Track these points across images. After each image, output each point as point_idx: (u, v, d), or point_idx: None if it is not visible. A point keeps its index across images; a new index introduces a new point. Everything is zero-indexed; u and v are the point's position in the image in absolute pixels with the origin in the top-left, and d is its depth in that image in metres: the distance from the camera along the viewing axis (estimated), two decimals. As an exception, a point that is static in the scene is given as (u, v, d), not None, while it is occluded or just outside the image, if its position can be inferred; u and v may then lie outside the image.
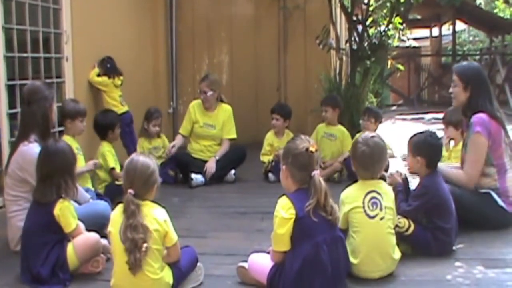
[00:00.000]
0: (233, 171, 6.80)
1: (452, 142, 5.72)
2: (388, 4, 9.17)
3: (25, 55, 5.70)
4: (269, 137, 7.05)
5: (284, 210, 3.26)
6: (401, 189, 4.24)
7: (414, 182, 4.41)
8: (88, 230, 3.83)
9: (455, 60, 18.29)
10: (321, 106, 7.07)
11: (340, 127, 7.01)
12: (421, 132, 4.31)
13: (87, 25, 6.62)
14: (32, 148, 4.07)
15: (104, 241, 3.85)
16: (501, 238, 4.41)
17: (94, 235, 3.80)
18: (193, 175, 6.54)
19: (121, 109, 6.82)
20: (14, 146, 4.29)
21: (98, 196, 5.01)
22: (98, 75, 6.83)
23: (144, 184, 3.30)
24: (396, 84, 18.82)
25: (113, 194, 5.16)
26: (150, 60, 8.98)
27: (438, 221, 4.01)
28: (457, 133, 5.49)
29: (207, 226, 5.00)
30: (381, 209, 3.60)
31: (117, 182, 5.55)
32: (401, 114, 15.99)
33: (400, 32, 9.87)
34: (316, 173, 3.31)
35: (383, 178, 3.88)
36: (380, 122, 6.95)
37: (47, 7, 6.08)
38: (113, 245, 3.32)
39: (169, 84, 9.46)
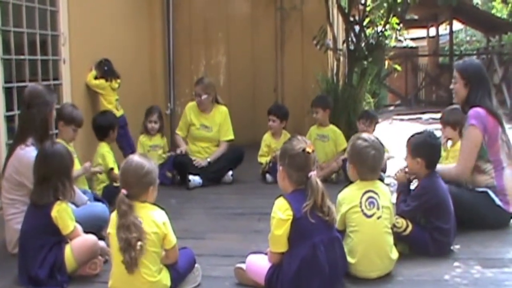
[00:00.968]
0: (230, 172, 6.81)
1: (449, 142, 5.71)
2: (385, 4, 9.17)
3: (22, 57, 5.69)
4: (267, 138, 7.05)
5: (281, 211, 3.26)
6: (404, 189, 4.25)
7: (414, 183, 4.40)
8: (85, 232, 3.83)
9: (452, 60, 18.30)
10: (311, 107, 7.08)
11: (331, 126, 7.01)
12: (419, 133, 4.31)
13: (84, 27, 6.61)
14: (29, 152, 4.06)
15: (101, 243, 3.85)
16: (499, 238, 4.42)
17: (91, 237, 3.79)
18: (191, 177, 6.54)
19: (116, 113, 6.80)
20: (11, 149, 4.28)
21: (96, 198, 5.01)
22: (96, 78, 6.83)
23: (138, 183, 3.30)
24: (394, 84, 18.83)
25: (111, 196, 5.14)
26: (147, 61, 8.97)
27: (436, 221, 4.02)
28: (455, 133, 5.49)
29: (204, 228, 5.00)
30: (378, 208, 3.60)
31: (115, 184, 5.55)
32: (398, 114, 16.02)
33: (397, 32, 9.88)
34: (313, 173, 3.31)
35: (379, 179, 3.88)
36: (377, 123, 6.96)
37: (44, 9, 6.07)
38: (111, 246, 3.33)
39: (166, 85, 9.46)
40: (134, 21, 8.37)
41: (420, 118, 14.70)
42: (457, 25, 21.85)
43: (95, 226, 4.08)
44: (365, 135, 3.83)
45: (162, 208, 3.39)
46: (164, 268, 3.35)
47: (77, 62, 6.51)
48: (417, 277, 3.67)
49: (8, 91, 5.33)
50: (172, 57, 9.45)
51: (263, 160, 6.92)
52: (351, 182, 3.80)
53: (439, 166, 4.39)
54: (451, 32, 19.83)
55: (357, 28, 9.08)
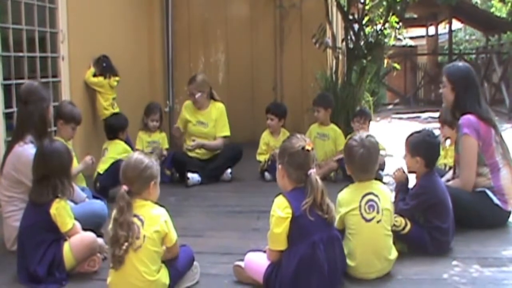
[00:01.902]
0: (229, 170, 6.81)
1: (448, 141, 5.73)
2: (384, 3, 9.17)
3: (21, 54, 5.69)
4: (265, 136, 7.05)
5: (281, 209, 3.26)
6: (403, 188, 4.24)
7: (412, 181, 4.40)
8: (84, 229, 3.82)
9: (451, 59, 18.31)
10: (313, 106, 7.07)
11: (332, 126, 7.02)
12: (418, 132, 4.30)
13: (83, 24, 6.62)
14: (27, 149, 4.05)
15: (100, 241, 3.85)
16: (497, 237, 4.42)
17: (90, 234, 3.79)
18: (189, 174, 6.54)
19: (112, 111, 6.80)
20: (9, 147, 4.27)
21: (94, 196, 5.01)
22: (94, 75, 6.82)
23: (138, 179, 3.29)
24: (393, 83, 18.84)
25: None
26: (146, 59, 8.97)
27: (435, 220, 4.01)
28: (453, 132, 5.48)
29: (203, 225, 5.00)
30: (378, 212, 3.57)
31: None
32: (397, 113, 16.03)
33: (397, 31, 9.85)
34: (313, 171, 3.30)
35: (378, 178, 3.88)
36: (371, 121, 6.96)
37: (43, 6, 6.07)
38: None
39: (165, 83, 9.44)
40: (133, 18, 8.37)
41: (419, 117, 14.70)
42: (456, 24, 21.87)
43: (93, 224, 4.09)
44: (358, 135, 3.78)
45: (162, 206, 3.39)
46: (163, 267, 3.35)
47: (76, 60, 6.51)
48: (415, 276, 3.67)
49: (7, 88, 5.34)
50: (171, 54, 9.44)
51: (262, 158, 6.92)
52: (350, 181, 3.79)
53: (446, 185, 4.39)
54: (450, 31, 19.85)
55: (356, 26, 9.07)
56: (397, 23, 9.49)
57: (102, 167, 5.84)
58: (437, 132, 5.11)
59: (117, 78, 6.96)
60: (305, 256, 3.22)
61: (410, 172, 4.29)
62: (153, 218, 3.27)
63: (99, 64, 6.87)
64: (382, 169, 6.41)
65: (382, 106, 16.98)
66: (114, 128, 6.20)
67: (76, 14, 6.46)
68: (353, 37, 9.02)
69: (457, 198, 4.23)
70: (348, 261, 3.53)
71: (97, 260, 3.80)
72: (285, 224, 3.23)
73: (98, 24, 7.04)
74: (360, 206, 3.57)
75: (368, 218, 3.56)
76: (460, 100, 4.69)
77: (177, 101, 9.43)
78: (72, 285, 3.62)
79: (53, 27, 6.24)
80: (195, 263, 3.61)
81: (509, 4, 19.17)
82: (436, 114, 6.79)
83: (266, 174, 6.73)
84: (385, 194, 3.68)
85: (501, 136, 4.73)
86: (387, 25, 9.29)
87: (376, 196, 3.61)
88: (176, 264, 3.44)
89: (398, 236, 3.87)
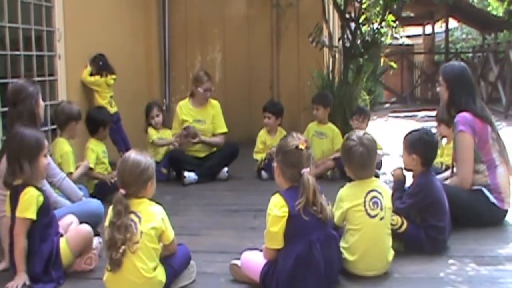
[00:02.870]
0: (225, 169, 6.81)
1: (444, 140, 5.74)
2: (381, 1, 9.18)
3: (17, 53, 5.68)
4: (262, 135, 7.05)
5: (277, 208, 3.25)
6: (400, 187, 4.25)
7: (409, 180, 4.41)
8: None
9: (448, 58, 18.33)
10: (312, 104, 7.08)
11: (330, 125, 7.02)
12: (416, 130, 4.32)
13: (79, 23, 6.60)
14: None
15: (96, 241, 3.85)
16: (494, 236, 4.43)
17: (85, 227, 3.80)
18: (186, 173, 6.54)
19: (110, 110, 6.79)
20: (3, 146, 4.26)
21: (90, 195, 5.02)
22: (91, 74, 6.81)
23: (136, 181, 3.29)
24: (389, 82, 18.85)
25: (103, 192, 5.19)
26: (143, 57, 8.95)
27: (431, 219, 4.02)
28: (449, 130, 5.49)
29: (200, 224, 5.00)
30: (381, 209, 3.59)
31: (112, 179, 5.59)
32: (394, 111, 16.05)
33: (393, 29, 9.89)
34: (306, 171, 3.29)
35: (376, 175, 3.88)
36: (369, 119, 6.97)
37: (39, 4, 6.06)
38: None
39: (162, 82, 9.45)
40: (129, 16, 8.36)
41: (415, 116, 14.72)
42: (453, 23, 21.89)
43: (90, 222, 4.06)
44: (355, 134, 3.78)
45: (160, 204, 3.39)
46: (160, 265, 3.34)
47: (73, 58, 6.50)
48: (412, 275, 3.67)
49: (3, 87, 5.31)
50: (167, 53, 9.45)
51: (259, 157, 6.92)
52: (347, 180, 3.80)
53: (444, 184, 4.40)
54: (447, 30, 19.86)
55: (352, 25, 9.08)
56: (394, 21, 9.52)
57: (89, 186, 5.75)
58: (434, 130, 5.13)
59: (113, 76, 6.95)
60: (302, 255, 3.22)
61: (407, 170, 4.30)
62: (150, 215, 3.27)
63: (96, 63, 6.86)
64: (379, 168, 6.42)
65: (378, 104, 16.99)
66: (94, 121, 5.95)
67: (72, 13, 6.45)
68: (349, 36, 9.03)
69: (453, 197, 4.24)
70: (348, 256, 3.54)
71: (94, 258, 3.80)
72: (281, 222, 3.23)
73: (95, 23, 7.02)
74: (365, 202, 3.58)
75: (372, 214, 3.57)
76: (455, 98, 4.72)
77: (173, 100, 9.44)
78: (68, 283, 3.62)
79: (49, 25, 6.23)
80: (191, 262, 3.61)
81: (506, 3, 19.19)
82: (433, 113, 6.81)
83: (263, 172, 6.74)
84: (387, 192, 3.72)
85: (497, 133, 4.75)
86: (383, 23, 9.32)
87: (380, 193, 3.63)
88: (173, 263, 3.44)
89: (394, 235, 3.87)
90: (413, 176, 4.24)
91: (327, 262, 3.30)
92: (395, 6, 9.37)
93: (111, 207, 3.29)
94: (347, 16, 9.07)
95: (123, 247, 3.17)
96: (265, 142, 6.97)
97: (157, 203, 3.38)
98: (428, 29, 21.69)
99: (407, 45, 21.21)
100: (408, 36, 21.54)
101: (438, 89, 4.94)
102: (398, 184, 4.28)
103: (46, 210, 3.66)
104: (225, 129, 7.05)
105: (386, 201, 3.66)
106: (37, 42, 6.01)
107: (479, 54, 18.49)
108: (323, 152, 6.86)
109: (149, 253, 3.24)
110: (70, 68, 6.47)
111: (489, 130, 4.65)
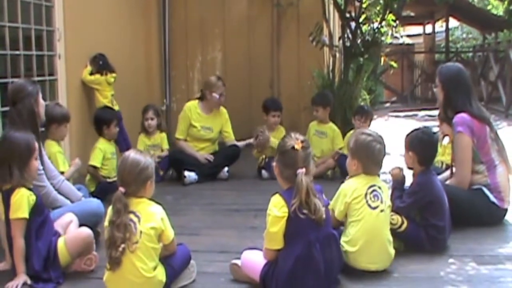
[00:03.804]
0: (226, 169, 6.80)
1: (446, 138, 5.73)
2: (381, 1, 9.18)
3: (17, 52, 5.68)
4: (263, 131, 7.01)
5: (277, 208, 3.25)
6: (399, 186, 4.26)
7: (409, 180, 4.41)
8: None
9: (448, 57, 18.32)
10: (311, 105, 7.07)
11: (331, 124, 7.01)
12: (417, 128, 4.36)
13: (79, 23, 6.60)
14: None
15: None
16: (494, 235, 4.43)
17: (85, 229, 3.80)
18: (186, 173, 6.53)
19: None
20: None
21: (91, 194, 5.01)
22: (91, 73, 6.81)
23: (135, 180, 3.29)
24: (390, 81, 18.83)
25: (104, 192, 5.18)
26: (143, 57, 8.95)
27: (431, 218, 4.03)
28: (451, 129, 5.50)
29: (200, 224, 5.00)
30: (381, 202, 3.64)
31: (108, 180, 5.58)
32: (394, 111, 16.05)
33: (393, 29, 9.88)
34: (301, 171, 3.28)
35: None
36: (372, 119, 6.96)
37: (39, 4, 6.06)
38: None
39: (162, 81, 9.45)
40: (129, 16, 8.35)
41: (416, 115, 14.72)
42: (453, 22, 21.90)
43: (90, 222, 4.06)
44: (367, 130, 3.87)
45: (159, 204, 3.39)
46: (159, 265, 3.35)
47: (73, 58, 6.50)
48: (412, 274, 3.67)
49: (3, 87, 5.32)
50: (168, 52, 9.44)
51: (259, 155, 6.90)
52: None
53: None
54: (447, 29, 19.87)
55: (353, 24, 9.07)
56: (394, 21, 9.51)
57: (90, 186, 5.76)
58: (436, 129, 5.13)
59: (114, 75, 6.94)
60: (301, 255, 3.22)
61: (408, 168, 4.32)
62: (149, 215, 3.27)
63: (96, 62, 6.86)
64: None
65: (379, 104, 16.98)
66: (97, 121, 6.02)
67: (72, 12, 6.45)
68: (350, 35, 9.03)
69: (453, 196, 4.24)
70: (349, 248, 3.56)
71: (94, 259, 3.79)
72: (281, 223, 3.23)
73: (95, 22, 7.02)
74: (366, 194, 3.63)
75: (373, 206, 3.61)
76: (450, 99, 4.75)
77: (174, 99, 9.45)
78: (68, 283, 3.62)
79: (49, 25, 6.23)
80: (192, 261, 3.61)
81: (506, 2, 19.18)
82: (433, 112, 6.81)
83: (263, 172, 6.73)
84: (386, 190, 3.77)
85: (496, 133, 4.75)
86: (384, 23, 9.31)
87: (380, 188, 3.69)
88: (173, 263, 3.44)
89: (394, 234, 3.87)
90: (413, 175, 4.25)
91: (327, 262, 3.30)
92: (395, 6, 9.36)
93: (110, 206, 3.29)
94: (348, 15, 9.06)
95: (122, 245, 3.17)
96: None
97: (156, 203, 3.38)
98: (429, 28, 21.68)
99: (408, 44, 21.20)
100: (408, 36, 21.54)
101: (434, 90, 4.97)
102: (397, 183, 4.28)
103: (39, 209, 3.66)
104: (233, 138, 7.02)
105: (386, 197, 3.71)
106: (37, 42, 6.02)
107: (479, 54, 18.48)
108: (323, 151, 6.85)
109: (149, 252, 3.24)
110: (70, 67, 6.47)
111: (487, 130, 4.66)
